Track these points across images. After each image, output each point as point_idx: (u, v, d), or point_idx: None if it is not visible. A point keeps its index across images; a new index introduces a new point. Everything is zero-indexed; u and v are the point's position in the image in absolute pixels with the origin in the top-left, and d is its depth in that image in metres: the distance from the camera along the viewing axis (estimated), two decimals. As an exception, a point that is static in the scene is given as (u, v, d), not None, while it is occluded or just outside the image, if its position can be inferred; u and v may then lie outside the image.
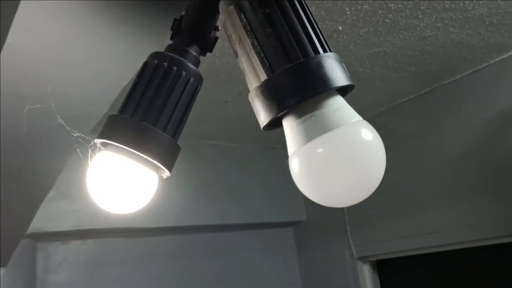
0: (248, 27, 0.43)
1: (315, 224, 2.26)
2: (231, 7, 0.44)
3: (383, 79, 1.68)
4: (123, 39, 0.75)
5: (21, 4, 0.67)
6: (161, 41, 0.77)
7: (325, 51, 0.43)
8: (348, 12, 1.24)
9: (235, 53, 0.46)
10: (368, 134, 0.42)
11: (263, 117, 0.43)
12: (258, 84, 0.43)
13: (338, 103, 0.43)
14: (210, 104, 1.74)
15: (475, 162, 1.67)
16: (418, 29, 1.36)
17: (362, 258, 2.06)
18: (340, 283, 2.12)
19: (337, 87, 0.41)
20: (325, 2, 1.18)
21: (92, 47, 0.76)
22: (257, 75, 0.43)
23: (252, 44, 0.43)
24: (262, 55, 0.43)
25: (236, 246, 2.17)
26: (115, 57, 0.80)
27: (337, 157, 0.41)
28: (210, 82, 1.56)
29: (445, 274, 1.86)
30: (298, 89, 0.41)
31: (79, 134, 0.58)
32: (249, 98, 0.45)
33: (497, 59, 1.62)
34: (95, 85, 0.85)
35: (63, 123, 0.62)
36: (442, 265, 1.86)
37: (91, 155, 0.55)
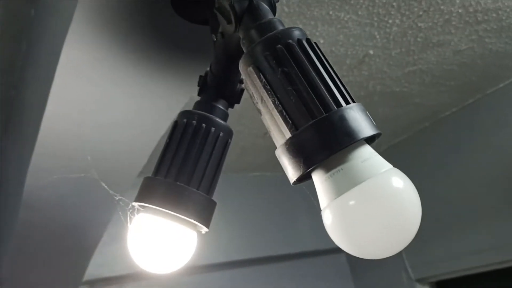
0: (268, 87, 0.44)
1: (368, 248, 2.21)
2: (250, 68, 0.45)
3: (422, 96, 1.65)
4: (154, 95, 0.77)
5: (57, 72, 0.70)
6: (191, 93, 0.79)
7: (347, 103, 0.43)
8: (378, 36, 1.23)
9: (258, 111, 0.46)
10: (399, 182, 0.42)
11: (291, 174, 0.43)
12: (283, 141, 0.43)
13: (365, 154, 0.42)
14: (249, 137, 1.75)
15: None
16: (452, 44, 1.33)
17: (421, 280, 1.99)
18: (399, 307, 2.06)
19: (361, 138, 0.41)
20: (352, 29, 1.17)
21: (124, 106, 0.79)
22: (281, 133, 0.44)
23: (274, 103, 0.43)
24: (284, 113, 0.43)
25: (290, 276, 2.15)
26: (146, 114, 0.82)
27: (369, 209, 0.41)
28: (247, 116, 1.57)
29: (510, 292, 1.77)
30: (322, 145, 0.41)
31: (120, 197, 0.60)
32: (276, 154, 0.45)
33: (541, 63, 1.55)
34: (131, 141, 0.88)
35: (106, 187, 0.64)
36: (507, 283, 1.77)
37: (130, 218, 0.56)
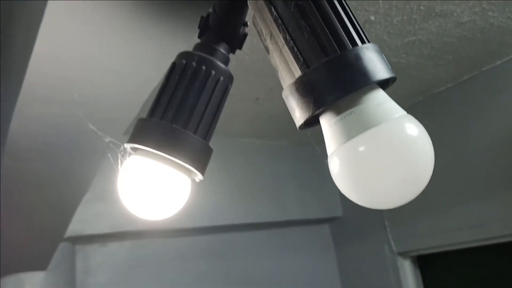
0: (280, 21, 0.41)
1: (352, 220, 2.21)
2: (261, 1, 0.42)
3: (419, 69, 1.62)
4: (150, 39, 0.74)
5: (47, 10, 0.66)
6: (189, 40, 0.75)
7: (363, 42, 0.40)
8: (380, 1, 1.19)
9: (266, 49, 0.43)
10: (413, 129, 0.39)
11: (298, 116, 0.41)
12: (292, 81, 0.40)
13: (379, 97, 0.40)
14: (241, 102, 1.72)
15: (519, 151, 1.59)
16: (454, 15, 1.30)
17: (403, 254, 2.00)
18: (380, 280, 2.07)
19: (377, 80, 0.38)
20: (356, -9, 1.14)
21: (118, 49, 0.75)
22: (290, 72, 0.41)
23: (285, 38, 0.40)
24: (296, 50, 0.40)
25: (272, 244, 2.15)
26: (142, 59, 0.78)
27: (380, 156, 0.38)
28: (240, 79, 1.54)
29: (490, 269, 1.79)
30: (335, 84, 0.38)
31: (110, 139, 0.57)
32: (283, 96, 0.42)
33: (540, 42, 1.54)
34: (124, 87, 0.84)
35: (94, 129, 0.61)
36: (487, 260, 1.79)
37: (121, 161, 0.53)
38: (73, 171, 1.07)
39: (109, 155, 0.53)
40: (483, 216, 1.67)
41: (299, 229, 2.23)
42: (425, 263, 2.01)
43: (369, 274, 2.13)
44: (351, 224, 2.22)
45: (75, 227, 1.59)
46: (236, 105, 1.74)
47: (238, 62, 1.42)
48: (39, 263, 1.52)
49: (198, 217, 1.84)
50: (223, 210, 1.95)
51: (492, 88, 1.68)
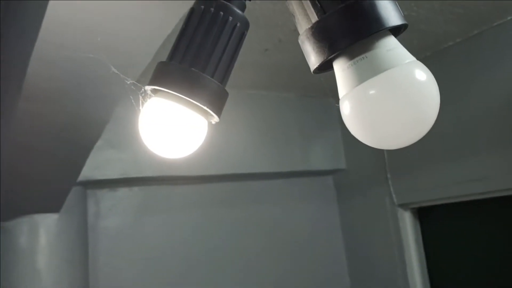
0: (298, -33, 0.42)
1: (355, 172, 2.26)
2: None
3: (429, 23, 1.62)
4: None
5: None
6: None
7: (378, -11, 0.42)
8: (394, -49, 1.18)
9: (285, -5, 0.45)
10: (422, 74, 0.42)
11: (313, 60, 0.43)
12: (308, 26, 0.42)
13: (391, 43, 0.42)
14: (249, 53, 1.73)
15: (524, 107, 1.61)
16: (468, -33, 1.29)
17: (403, 205, 2.06)
18: (380, 231, 2.14)
19: (390, 27, 0.40)
20: None
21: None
22: (307, 17, 0.43)
23: (303, -16, 0.42)
24: (313, -5, 0.42)
25: (277, 194, 2.20)
26: (157, 5, 0.80)
27: (390, 99, 0.41)
28: (249, 29, 1.54)
29: (488, 222, 1.84)
30: (350, 29, 0.40)
31: (131, 81, 0.60)
32: (299, 40, 0.45)
33: (553, -3, 1.52)
34: (139, 34, 0.86)
35: (116, 72, 0.64)
36: (486, 213, 1.84)
37: (142, 102, 0.56)
38: (88, 116, 1.11)
39: (131, 97, 0.56)
40: (484, 170, 1.71)
41: (304, 180, 2.28)
42: (425, 215, 2.07)
43: (370, 225, 2.20)
44: (354, 176, 2.27)
45: (86, 172, 1.64)
46: (244, 56, 1.74)
47: (247, 12, 1.42)
48: (53, 206, 1.58)
49: (204, 165, 1.88)
50: (229, 160, 1.99)
51: (502, 43, 1.68)
